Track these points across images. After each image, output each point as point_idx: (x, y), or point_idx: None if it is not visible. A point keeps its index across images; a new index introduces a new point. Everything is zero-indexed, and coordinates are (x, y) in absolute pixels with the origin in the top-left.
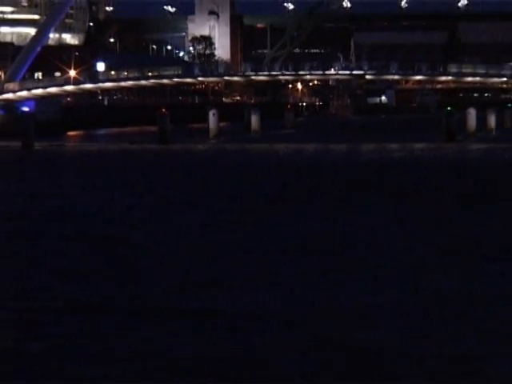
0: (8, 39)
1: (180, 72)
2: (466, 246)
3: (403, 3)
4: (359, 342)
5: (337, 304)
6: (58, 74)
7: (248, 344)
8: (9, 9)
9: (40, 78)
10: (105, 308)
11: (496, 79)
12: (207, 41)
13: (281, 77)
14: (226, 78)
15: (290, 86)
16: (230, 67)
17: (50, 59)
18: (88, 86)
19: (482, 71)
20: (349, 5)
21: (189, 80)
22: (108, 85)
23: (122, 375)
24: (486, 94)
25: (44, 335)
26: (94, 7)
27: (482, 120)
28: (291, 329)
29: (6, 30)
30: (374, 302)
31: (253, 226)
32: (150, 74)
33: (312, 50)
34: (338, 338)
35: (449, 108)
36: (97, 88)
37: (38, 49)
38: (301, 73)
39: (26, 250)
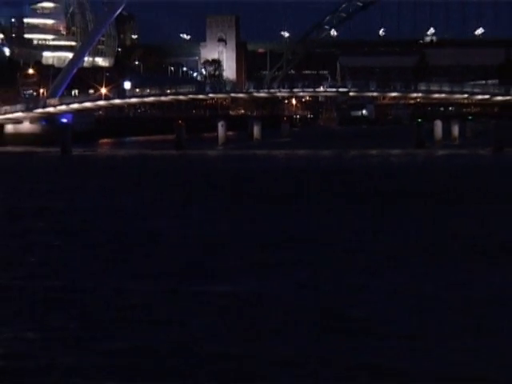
0: (50, 62)
1: (194, 90)
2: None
3: (381, 32)
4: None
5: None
6: (91, 91)
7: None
8: (50, 36)
9: (76, 94)
10: None
11: (458, 95)
12: (216, 64)
13: (278, 93)
14: (232, 94)
15: (286, 101)
16: (236, 86)
17: (85, 79)
18: (117, 101)
19: (446, 89)
20: (335, 33)
21: (201, 96)
22: (133, 100)
23: None
24: (450, 108)
25: None
26: (121, 35)
27: (446, 130)
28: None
29: (47, 54)
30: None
31: (251, 220)
32: (168, 91)
33: (304, 71)
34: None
35: (419, 120)
36: (124, 103)
37: (75, 70)
38: (295, 90)
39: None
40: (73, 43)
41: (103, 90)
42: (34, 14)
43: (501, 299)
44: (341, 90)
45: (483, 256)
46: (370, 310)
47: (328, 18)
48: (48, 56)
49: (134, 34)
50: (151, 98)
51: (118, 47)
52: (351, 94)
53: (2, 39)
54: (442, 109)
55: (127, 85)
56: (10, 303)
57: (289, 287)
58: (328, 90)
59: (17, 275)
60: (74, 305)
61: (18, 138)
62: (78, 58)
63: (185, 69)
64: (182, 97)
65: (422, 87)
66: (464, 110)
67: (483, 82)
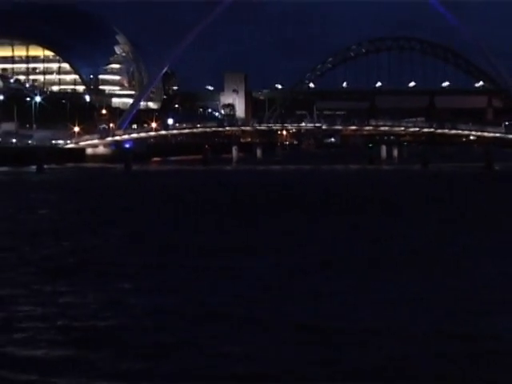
0: (117, 105)
1: (215, 124)
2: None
3: (344, 84)
4: None
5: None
6: (145, 125)
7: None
8: (117, 88)
9: (135, 127)
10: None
11: (397, 128)
12: (231, 107)
13: (273, 127)
14: (242, 128)
15: (279, 132)
16: (244, 122)
17: (141, 117)
18: (162, 132)
19: (389, 124)
20: (313, 85)
21: (220, 129)
22: (174, 132)
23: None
24: (391, 137)
25: None
26: (166, 86)
27: (389, 152)
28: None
29: (115, 100)
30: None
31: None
32: (198, 125)
33: (291, 112)
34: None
35: (370, 145)
36: (168, 133)
37: (134, 111)
38: (285, 125)
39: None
40: (133, 92)
41: (153, 125)
42: (106, 72)
43: None
44: (317, 125)
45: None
46: None
47: (308, 74)
48: (116, 101)
49: (175, 86)
50: (186, 130)
51: (164, 95)
52: (324, 127)
53: (84, 90)
54: (385, 137)
55: (170, 121)
56: None
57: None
58: (308, 125)
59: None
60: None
61: (95, 157)
62: (136, 102)
63: (209, 110)
64: (207, 129)
65: (373, 123)
66: (401, 138)
67: (414, 119)
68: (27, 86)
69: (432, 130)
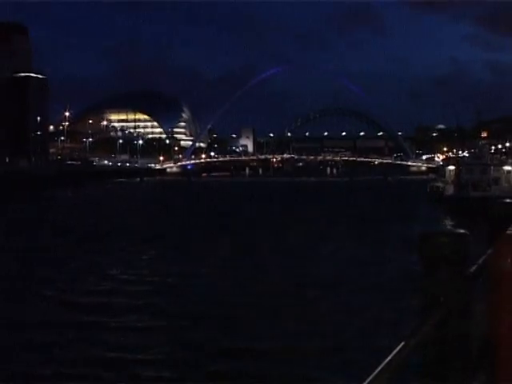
0: (183, 145)
1: (237, 156)
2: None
3: (306, 134)
4: None
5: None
6: (199, 156)
7: None
8: (183, 136)
9: (193, 157)
10: None
11: (336, 158)
12: (245, 146)
13: (268, 157)
14: (251, 157)
15: (271, 160)
16: (252, 154)
17: (196, 151)
18: (208, 160)
19: (332, 155)
20: (289, 134)
21: (239, 158)
22: (214, 159)
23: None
24: (333, 162)
25: None
26: (210, 135)
27: (332, 171)
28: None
29: (183, 142)
30: None
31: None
32: (227, 156)
33: (278, 149)
34: None
35: (321, 167)
36: (211, 160)
37: (193, 148)
38: (275, 155)
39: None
40: (192, 138)
41: (203, 156)
42: (177, 127)
43: None
44: (291, 155)
45: None
46: None
47: (286, 129)
48: (183, 143)
49: (214, 135)
50: (221, 159)
51: (208, 139)
52: (296, 157)
53: (165, 137)
54: (330, 162)
55: (212, 154)
56: None
57: None
58: (287, 156)
59: None
60: None
61: (171, 174)
62: (193, 143)
63: (233, 148)
64: (232, 158)
65: (322, 155)
66: (338, 163)
67: (346, 152)
68: (134, 135)
69: (355, 158)
